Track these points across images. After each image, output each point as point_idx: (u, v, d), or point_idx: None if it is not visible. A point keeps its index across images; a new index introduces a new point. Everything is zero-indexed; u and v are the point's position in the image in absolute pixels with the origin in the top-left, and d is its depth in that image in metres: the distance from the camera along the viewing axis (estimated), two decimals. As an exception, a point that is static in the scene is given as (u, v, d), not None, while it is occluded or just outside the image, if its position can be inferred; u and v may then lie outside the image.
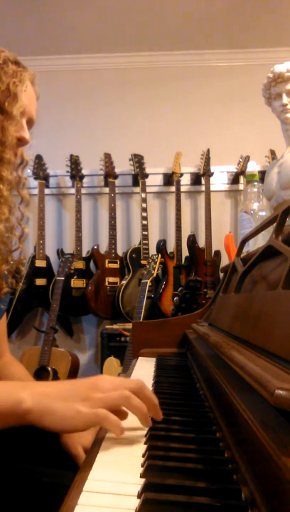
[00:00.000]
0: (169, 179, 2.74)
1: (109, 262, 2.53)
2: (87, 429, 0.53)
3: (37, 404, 0.51)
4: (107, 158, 2.62)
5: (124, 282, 2.47)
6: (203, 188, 2.66)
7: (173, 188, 2.67)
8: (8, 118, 0.79)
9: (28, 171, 2.50)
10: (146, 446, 0.47)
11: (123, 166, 2.66)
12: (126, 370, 1.64)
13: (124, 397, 0.52)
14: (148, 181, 2.65)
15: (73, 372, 2.30)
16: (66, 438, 0.83)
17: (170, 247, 2.64)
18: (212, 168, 2.67)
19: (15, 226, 0.88)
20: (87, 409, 0.50)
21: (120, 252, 2.60)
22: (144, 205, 2.58)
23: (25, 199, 0.89)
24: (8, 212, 0.83)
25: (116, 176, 2.64)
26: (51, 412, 0.51)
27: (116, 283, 2.51)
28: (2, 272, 0.84)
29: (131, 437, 0.52)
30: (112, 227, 2.56)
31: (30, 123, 0.87)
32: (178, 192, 2.62)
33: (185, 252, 2.57)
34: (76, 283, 2.50)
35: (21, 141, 0.84)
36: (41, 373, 2.18)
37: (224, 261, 2.51)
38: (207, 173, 2.64)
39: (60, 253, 2.62)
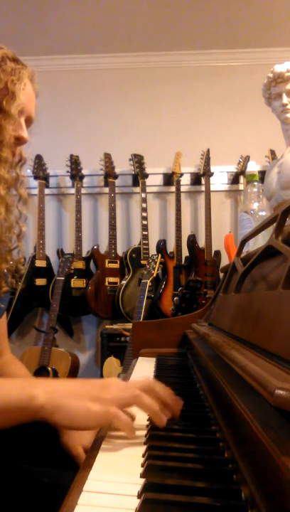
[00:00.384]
0: (169, 179, 2.74)
1: (109, 262, 2.53)
2: (97, 427, 0.53)
3: (49, 400, 0.52)
4: (107, 158, 2.62)
5: (124, 282, 2.47)
6: (203, 188, 2.66)
7: (173, 188, 2.67)
8: (6, 117, 0.78)
9: (28, 171, 2.51)
10: (145, 446, 0.47)
11: (123, 166, 2.65)
12: (126, 370, 1.64)
13: (135, 396, 0.52)
14: (148, 181, 2.64)
15: (73, 373, 2.29)
16: (66, 438, 0.83)
17: (170, 247, 2.64)
18: (212, 168, 2.66)
19: (14, 225, 0.87)
20: (98, 407, 0.51)
21: (120, 252, 2.60)
22: (144, 205, 2.58)
23: (23, 197, 0.89)
24: (6, 212, 0.83)
25: (116, 176, 2.64)
26: (63, 408, 0.51)
27: (116, 283, 2.51)
28: (2, 271, 0.84)
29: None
30: (112, 227, 2.56)
31: (28, 121, 0.86)
32: (178, 192, 2.62)
33: (185, 252, 2.57)
34: (76, 283, 2.50)
35: (20, 140, 0.83)
36: (41, 373, 2.18)
37: (224, 261, 2.51)
38: (207, 173, 2.64)
39: (60, 253, 2.62)
